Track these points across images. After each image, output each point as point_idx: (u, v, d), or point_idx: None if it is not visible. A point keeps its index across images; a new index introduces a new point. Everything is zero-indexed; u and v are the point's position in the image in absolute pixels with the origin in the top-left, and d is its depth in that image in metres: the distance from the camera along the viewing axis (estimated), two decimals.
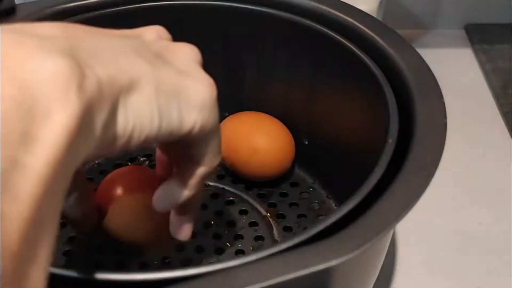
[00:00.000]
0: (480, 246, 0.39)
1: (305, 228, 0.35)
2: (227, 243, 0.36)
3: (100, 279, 0.21)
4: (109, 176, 0.33)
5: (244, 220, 0.37)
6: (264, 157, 0.37)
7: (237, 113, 0.40)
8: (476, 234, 0.40)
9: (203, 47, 0.39)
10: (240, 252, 0.35)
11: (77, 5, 0.37)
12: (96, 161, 0.41)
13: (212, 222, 0.37)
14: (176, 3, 0.38)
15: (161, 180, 0.27)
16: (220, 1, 0.38)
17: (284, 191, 0.39)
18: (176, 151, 0.25)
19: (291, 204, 0.38)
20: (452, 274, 0.37)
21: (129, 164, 0.41)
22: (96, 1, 0.37)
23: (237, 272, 0.21)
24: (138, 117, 0.20)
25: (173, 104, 0.21)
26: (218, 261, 0.22)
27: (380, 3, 0.49)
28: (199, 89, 0.22)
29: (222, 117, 0.40)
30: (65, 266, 0.27)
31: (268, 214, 0.37)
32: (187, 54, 0.24)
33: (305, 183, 0.39)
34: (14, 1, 0.36)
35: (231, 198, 0.39)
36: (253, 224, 0.37)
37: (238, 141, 0.38)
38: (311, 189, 0.39)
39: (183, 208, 0.27)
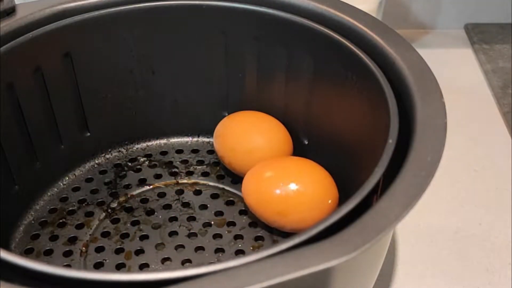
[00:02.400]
0: (480, 246, 0.39)
1: None
2: (227, 243, 0.36)
3: (100, 279, 0.21)
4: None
5: (244, 220, 0.37)
6: (261, 156, 0.37)
7: (236, 113, 0.40)
8: (476, 234, 0.40)
9: (203, 47, 0.39)
10: (240, 252, 0.35)
11: (77, 5, 0.37)
12: (96, 161, 0.41)
13: (212, 222, 0.37)
14: (176, 3, 0.38)
15: None
16: (220, 1, 0.38)
17: None
18: None
19: None
20: (452, 274, 0.37)
21: (129, 164, 0.41)
22: (96, 1, 0.37)
23: (237, 272, 0.21)
24: None
25: None
26: (218, 261, 0.22)
27: (380, 3, 0.49)
28: None
29: (221, 117, 0.41)
30: (65, 266, 0.27)
31: None
32: None
33: None
34: (14, 1, 0.36)
35: (231, 198, 0.39)
36: (253, 224, 0.37)
37: (236, 140, 0.38)
38: None
39: None
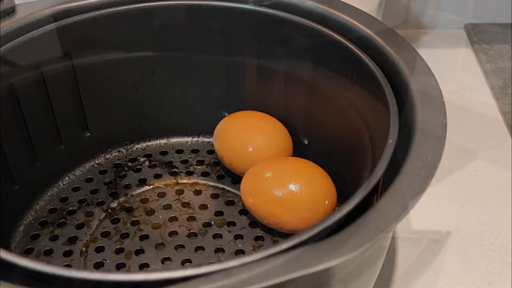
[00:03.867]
0: (480, 246, 0.39)
1: None
2: (227, 243, 0.36)
3: (100, 279, 0.21)
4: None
5: (244, 220, 0.37)
6: (261, 156, 0.37)
7: (236, 113, 0.40)
8: (476, 234, 0.40)
9: (203, 47, 0.39)
10: (240, 252, 0.35)
11: (77, 5, 0.37)
12: (96, 161, 0.41)
13: (212, 222, 0.37)
14: (176, 3, 0.38)
15: None
16: (220, 1, 0.38)
17: None
18: None
19: None
20: (452, 274, 0.37)
21: (129, 164, 0.41)
22: (96, 1, 0.37)
23: (237, 272, 0.21)
24: None
25: None
26: (218, 261, 0.22)
27: (380, 3, 0.49)
28: None
29: (221, 117, 0.41)
30: (65, 266, 0.27)
31: None
32: None
33: None
34: (14, 1, 0.36)
35: (231, 198, 0.39)
36: (253, 224, 0.37)
37: (235, 140, 0.38)
38: None
39: None
